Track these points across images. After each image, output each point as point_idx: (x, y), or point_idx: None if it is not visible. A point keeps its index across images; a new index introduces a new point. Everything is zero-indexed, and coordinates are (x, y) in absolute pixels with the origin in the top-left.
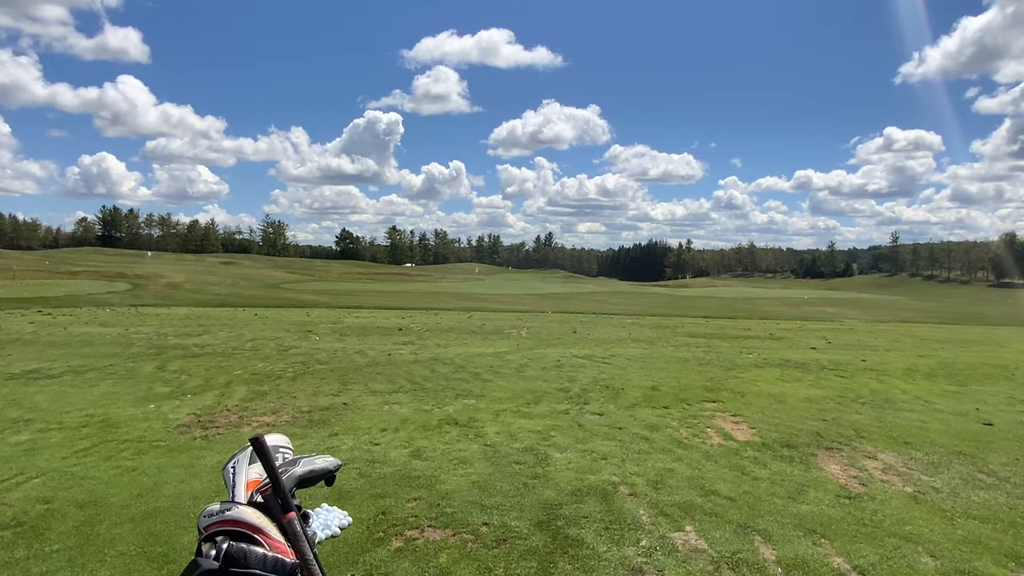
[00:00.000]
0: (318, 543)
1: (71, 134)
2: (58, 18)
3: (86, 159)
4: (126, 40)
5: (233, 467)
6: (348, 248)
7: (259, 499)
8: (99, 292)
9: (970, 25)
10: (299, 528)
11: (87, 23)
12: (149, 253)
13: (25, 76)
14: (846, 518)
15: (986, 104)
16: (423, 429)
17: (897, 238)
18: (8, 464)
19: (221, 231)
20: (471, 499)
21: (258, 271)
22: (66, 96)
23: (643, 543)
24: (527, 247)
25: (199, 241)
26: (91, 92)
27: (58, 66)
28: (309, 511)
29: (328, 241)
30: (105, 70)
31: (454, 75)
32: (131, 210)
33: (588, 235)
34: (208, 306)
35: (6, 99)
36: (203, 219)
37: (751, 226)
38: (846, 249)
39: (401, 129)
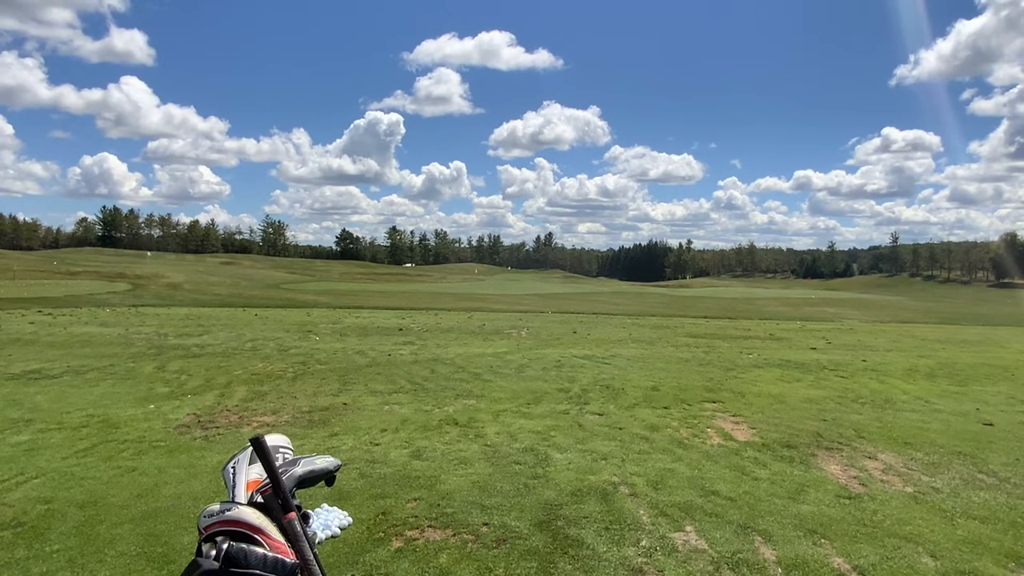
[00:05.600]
0: (318, 543)
1: (73, 135)
2: (65, 21)
3: (87, 159)
4: (131, 42)
5: (233, 467)
6: (348, 248)
7: (259, 499)
8: (99, 292)
9: (964, 28)
10: (299, 528)
11: (94, 26)
12: (149, 253)
13: (30, 78)
14: (846, 518)
15: (982, 106)
16: (423, 429)
17: (897, 238)
18: (8, 464)
19: (221, 231)
20: (471, 499)
21: (258, 271)
22: (70, 98)
23: (643, 543)
24: (527, 247)
25: (199, 241)
26: (95, 94)
27: (63, 68)
28: (309, 511)
29: (328, 241)
30: (110, 72)
31: (456, 77)
32: (131, 210)
33: (588, 235)
34: (208, 306)
35: (10, 100)
36: (203, 219)
37: (751, 226)
38: (846, 249)
39: (402, 130)
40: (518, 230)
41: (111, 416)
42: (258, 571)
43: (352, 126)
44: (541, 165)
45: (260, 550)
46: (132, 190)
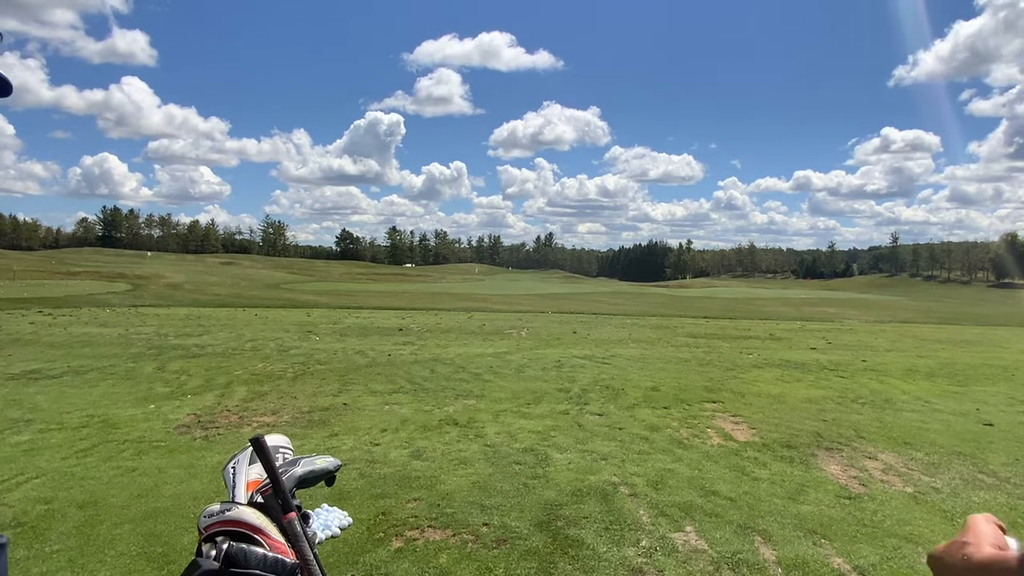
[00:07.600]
0: (318, 543)
1: (74, 135)
2: (67, 22)
3: (88, 160)
4: (133, 43)
5: (233, 467)
6: (348, 248)
7: (259, 499)
8: (99, 292)
9: (963, 30)
10: (299, 528)
11: (96, 27)
12: (149, 253)
13: (31, 78)
14: (846, 518)
15: (980, 106)
16: (423, 429)
17: (897, 238)
18: (8, 464)
19: (221, 231)
20: (471, 499)
21: (258, 271)
22: (71, 98)
23: (643, 543)
24: (527, 247)
25: (199, 241)
26: (96, 94)
27: (65, 69)
28: (309, 511)
29: (328, 241)
30: (112, 72)
31: (456, 77)
32: (131, 210)
33: (588, 235)
34: (208, 306)
35: (11, 100)
36: (204, 219)
37: (751, 226)
38: (846, 249)
39: (403, 130)
40: (518, 230)
41: (111, 416)
42: (258, 571)
43: (352, 126)
44: (541, 165)
45: (260, 550)
46: (132, 190)
